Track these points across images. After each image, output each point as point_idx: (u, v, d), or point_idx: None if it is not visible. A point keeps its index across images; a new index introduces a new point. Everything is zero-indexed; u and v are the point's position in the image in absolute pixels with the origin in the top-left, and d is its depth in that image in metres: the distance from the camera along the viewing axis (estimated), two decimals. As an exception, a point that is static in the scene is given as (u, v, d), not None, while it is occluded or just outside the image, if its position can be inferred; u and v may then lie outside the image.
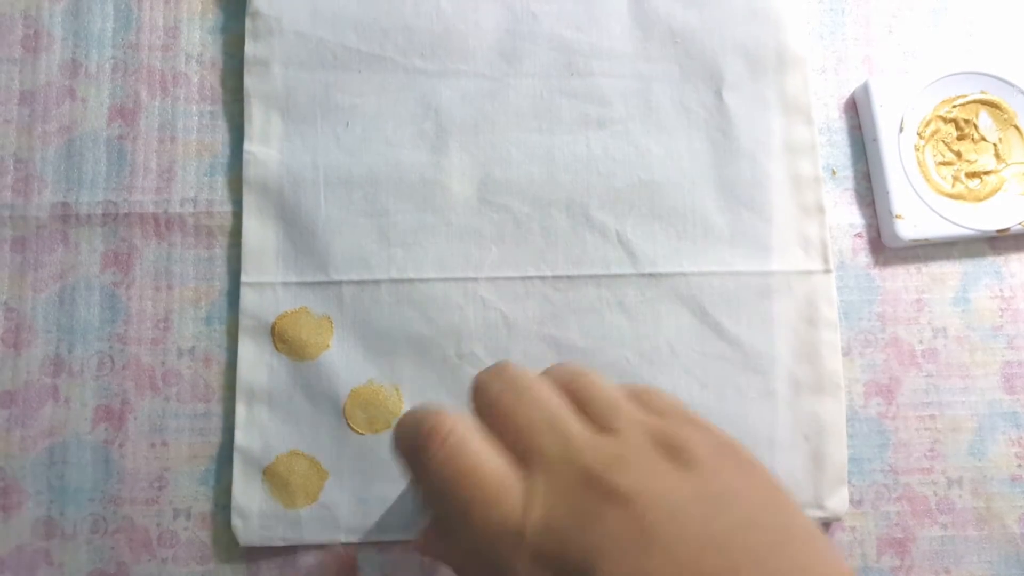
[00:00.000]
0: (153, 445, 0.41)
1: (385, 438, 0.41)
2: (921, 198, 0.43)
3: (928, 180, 0.43)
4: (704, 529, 0.21)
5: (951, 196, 0.43)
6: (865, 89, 0.44)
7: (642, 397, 0.26)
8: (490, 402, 0.25)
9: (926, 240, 0.43)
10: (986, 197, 0.43)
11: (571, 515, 0.21)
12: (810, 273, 0.43)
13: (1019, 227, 0.43)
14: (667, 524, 0.21)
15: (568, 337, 0.42)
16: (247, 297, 0.41)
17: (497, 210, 0.42)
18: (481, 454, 0.24)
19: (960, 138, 0.44)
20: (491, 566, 0.22)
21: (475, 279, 0.42)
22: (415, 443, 0.24)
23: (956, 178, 0.44)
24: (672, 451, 0.23)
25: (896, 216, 0.43)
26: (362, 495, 0.40)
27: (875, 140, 0.43)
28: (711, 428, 0.25)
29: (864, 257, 0.44)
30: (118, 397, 0.41)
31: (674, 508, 0.21)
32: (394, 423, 0.27)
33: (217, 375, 0.41)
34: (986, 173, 0.44)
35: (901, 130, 0.43)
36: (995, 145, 0.44)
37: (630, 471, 0.22)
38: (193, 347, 0.41)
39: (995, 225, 0.43)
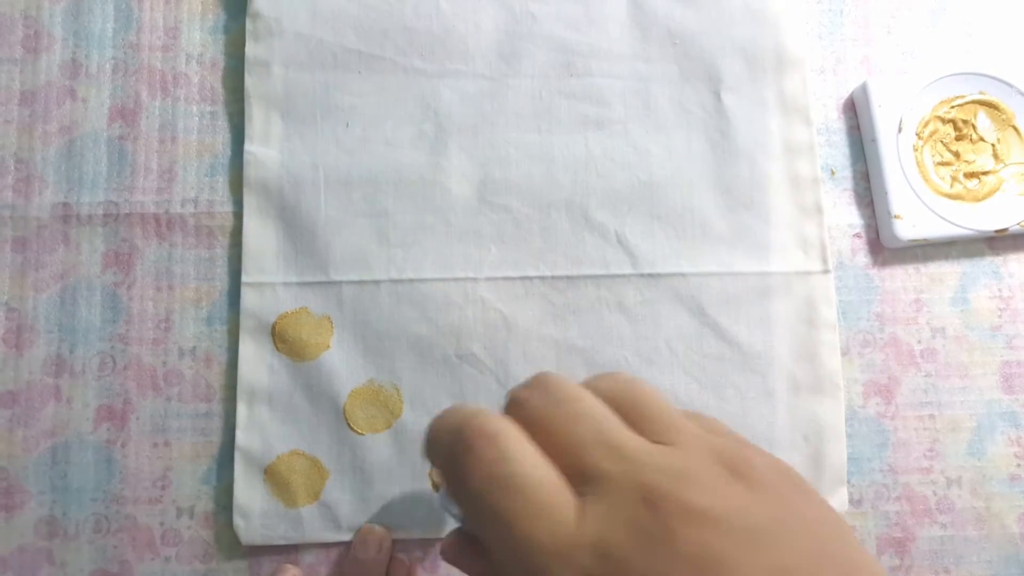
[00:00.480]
0: (155, 445, 0.41)
1: (385, 437, 0.41)
2: (920, 198, 0.43)
3: (927, 180, 0.43)
4: (776, 557, 0.19)
5: (949, 196, 0.43)
6: (864, 90, 0.44)
7: (693, 419, 0.24)
8: (530, 418, 0.23)
9: (925, 240, 0.43)
10: (984, 197, 0.44)
11: (633, 537, 0.19)
12: (809, 273, 0.43)
13: (1017, 227, 0.43)
14: (743, 551, 0.19)
15: (568, 337, 0.42)
16: (247, 297, 0.41)
17: (496, 210, 0.43)
18: (530, 461, 0.21)
19: (958, 138, 0.44)
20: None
21: (475, 279, 0.42)
22: (457, 445, 0.22)
23: (955, 178, 0.44)
24: (737, 470, 0.21)
25: (895, 216, 0.43)
26: (363, 494, 0.40)
27: (874, 140, 0.43)
28: (766, 451, 0.23)
29: (863, 257, 0.44)
30: (120, 397, 0.41)
31: (750, 533, 0.19)
32: (428, 425, 0.24)
33: (218, 375, 0.41)
34: (984, 173, 0.44)
35: (900, 130, 0.43)
36: (993, 145, 0.44)
37: (699, 488, 0.20)
38: (194, 347, 0.42)
39: (993, 225, 0.43)
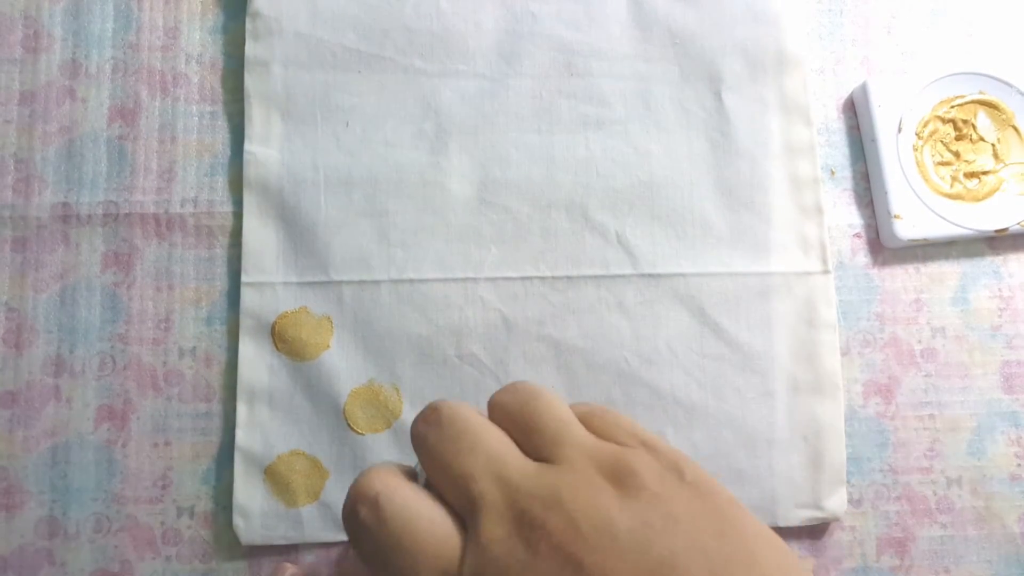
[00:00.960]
0: (156, 445, 0.41)
1: (385, 437, 0.41)
2: (919, 198, 0.43)
3: (926, 180, 0.43)
4: (640, 560, 0.20)
5: (949, 196, 0.43)
6: (863, 90, 0.44)
7: (595, 419, 0.25)
8: (428, 455, 0.24)
9: (925, 240, 0.43)
10: (984, 197, 0.44)
11: (505, 562, 0.21)
12: (809, 274, 0.43)
13: (1017, 227, 0.43)
14: (602, 557, 0.20)
15: (567, 337, 0.42)
16: (247, 297, 0.41)
17: (497, 211, 0.43)
18: (413, 513, 0.23)
19: (958, 138, 0.44)
20: None
21: (475, 279, 0.42)
22: (346, 513, 0.24)
23: (955, 178, 0.44)
24: (618, 478, 0.22)
25: (895, 216, 0.43)
26: (363, 494, 0.40)
27: (873, 140, 0.43)
28: (665, 450, 0.24)
29: (863, 257, 0.44)
30: (120, 397, 0.41)
31: (611, 539, 0.20)
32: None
33: (218, 375, 0.41)
34: (984, 173, 0.44)
35: (899, 130, 0.43)
36: (993, 145, 0.44)
37: (565, 506, 0.21)
38: (194, 347, 0.42)
39: (993, 225, 0.43)
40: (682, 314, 0.42)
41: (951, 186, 0.44)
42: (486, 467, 0.23)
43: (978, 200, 0.43)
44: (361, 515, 0.23)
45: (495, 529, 0.21)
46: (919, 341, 0.44)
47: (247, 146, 0.42)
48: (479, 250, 0.42)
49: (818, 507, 0.41)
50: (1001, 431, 0.43)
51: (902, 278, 0.44)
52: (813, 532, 0.42)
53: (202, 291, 0.42)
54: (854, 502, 0.42)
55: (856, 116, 0.45)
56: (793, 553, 0.22)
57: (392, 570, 0.22)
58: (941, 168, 0.44)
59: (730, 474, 0.41)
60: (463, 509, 0.23)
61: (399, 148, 0.43)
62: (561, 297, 0.42)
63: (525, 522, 0.21)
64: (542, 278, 0.42)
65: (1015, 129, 0.44)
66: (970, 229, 0.43)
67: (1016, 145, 0.44)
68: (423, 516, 0.23)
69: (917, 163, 0.43)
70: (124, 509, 0.40)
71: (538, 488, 0.22)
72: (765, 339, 0.42)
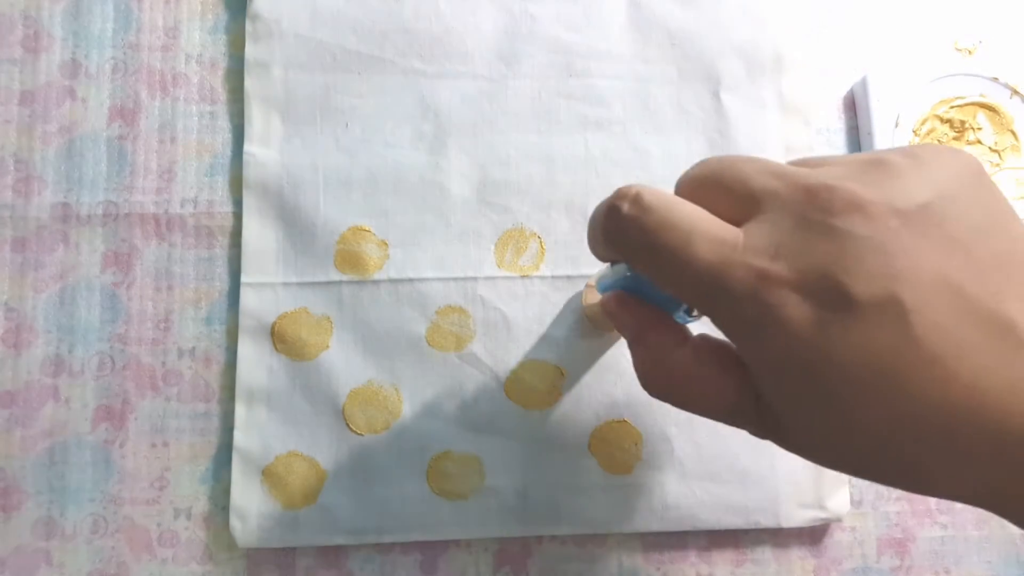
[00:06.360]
0: (154, 445, 0.41)
1: (385, 438, 0.41)
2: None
3: (925, 180, 0.43)
4: (947, 232, 0.20)
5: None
6: (863, 84, 0.44)
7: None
8: (697, 181, 0.24)
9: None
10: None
11: (799, 228, 0.21)
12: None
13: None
14: (908, 229, 0.20)
15: (568, 337, 0.42)
16: (247, 297, 0.41)
17: (496, 210, 0.43)
18: (676, 201, 0.23)
19: (956, 139, 0.44)
20: (707, 296, 0.22)
21: (475, 279, 0.42)
22: (602, 216, 0.25)
23: (951, 178, 0.44)
24: (881, 168, 0.22)
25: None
26: (361, 496, 0.40)
27: (870, 134, 0.44)
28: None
29: (862, 257, 0.44)
30: (119, 397, 0.41)
31: (914, 212, 0.20)
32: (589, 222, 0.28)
33: (217, 375, 0.41)
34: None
35: (896, 126, 0.43)
36: (991, 148, 0.44)
37: (860, 182, 0.21)
38: (193, 347, 0.42)
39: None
40: (682, 314, 0.42)
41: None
42: (763, 167, 0.23)
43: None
44: (624, 209, 0.24)
45: (786, 203, 0.21)
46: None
47: (247, 147, 0.42)
48: (479, 250, 0.42)
49: (821, 507, 0.41)
50: (1001, 431, 0.43)
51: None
52: (814, 533, 0.42)
53: (202, 291, 0.42)
54: (854, 503, 0.42)
55: (856, 116, 0.45)
56: None
57: (664, 253, 0.22)
58: (939, 168, 0.44)
59: (733, 474, 0.41)
60: (736, 210, 0.22)
61: (398, 149, 0.43)
62: (561, 297, 0.42)
63: (818, 189, 0.21)
64: (542, 278, 0.42)
65: (1013, 134, 0.44)
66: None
67: (1013, 150, 0.44)
68: (688, 205, 0.23)
69: (915, 162, 0.43)
70: (121, 510, 0.40)
71: (821, 173, 0.22)
72: (765, 339, 0.42)
